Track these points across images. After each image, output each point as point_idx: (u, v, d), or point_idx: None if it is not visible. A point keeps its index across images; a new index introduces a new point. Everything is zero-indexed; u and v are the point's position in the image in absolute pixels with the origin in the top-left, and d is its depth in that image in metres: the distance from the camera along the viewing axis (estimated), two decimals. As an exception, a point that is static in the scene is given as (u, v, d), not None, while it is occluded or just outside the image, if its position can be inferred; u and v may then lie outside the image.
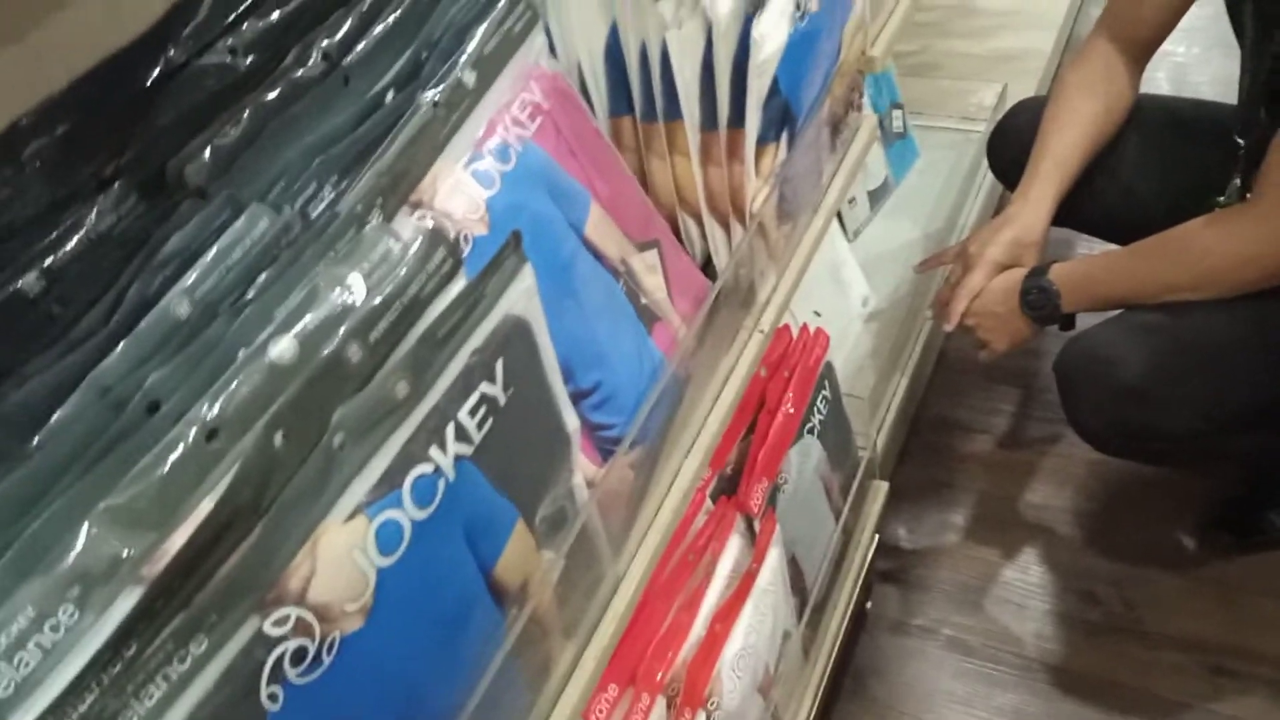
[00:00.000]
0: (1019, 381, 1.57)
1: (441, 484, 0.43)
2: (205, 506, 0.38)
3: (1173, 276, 1.06)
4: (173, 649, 0.34)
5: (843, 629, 1.19)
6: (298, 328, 0.43)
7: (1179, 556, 1.34)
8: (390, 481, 0.41)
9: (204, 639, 0.35)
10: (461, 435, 0.44)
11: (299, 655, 0.38)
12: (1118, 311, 1.12)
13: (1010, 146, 1.31)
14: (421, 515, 0.42)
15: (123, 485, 0.38)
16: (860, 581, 1.23)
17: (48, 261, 0.47)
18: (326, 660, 0.39)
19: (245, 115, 0.56)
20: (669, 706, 0.88)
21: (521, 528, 0.50)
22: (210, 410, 0.40)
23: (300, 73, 0.59)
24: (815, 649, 1.15)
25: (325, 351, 0.42)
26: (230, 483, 0.37)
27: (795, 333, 1.18)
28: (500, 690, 0.50)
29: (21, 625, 0.34)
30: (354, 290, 0.44)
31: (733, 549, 0.99)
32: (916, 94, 1.76)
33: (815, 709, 1.12)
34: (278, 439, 0.39)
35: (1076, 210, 1.23)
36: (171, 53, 0.61)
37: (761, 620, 0.98)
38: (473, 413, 0.45)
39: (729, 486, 1.05)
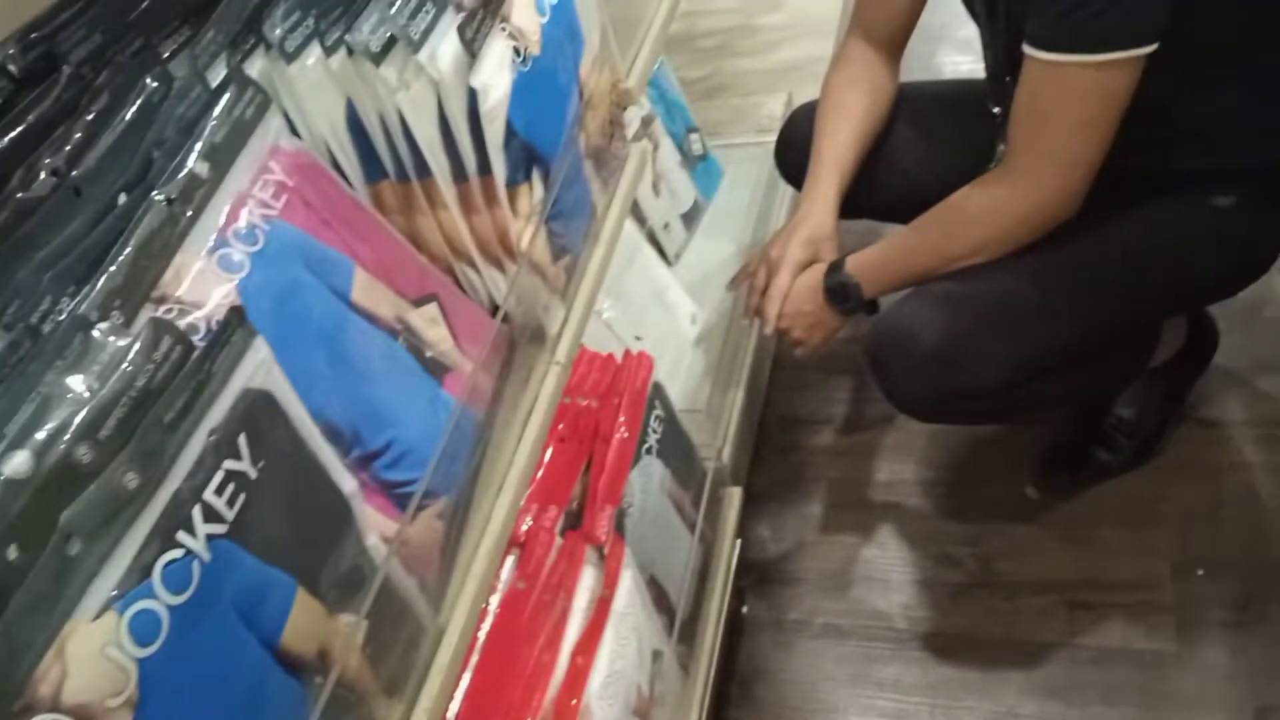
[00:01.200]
0: (851, 369, 1.63)
1: (196, 566, 0.44)
2: (-62, 632, 0.37)
3: (953, 246, 1.13)
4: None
5: (719, 639, 1.21)
6: (30, 440, 0.43)
7: (1024, 506, 1.41)
8: (138, 573, 0.42)
9: (-55, 764, 0.35)
10: (211, 515, 0.45)
11: (61, 762, 0.38)
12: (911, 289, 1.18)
13: (794, 151, 1.37)
14: (178, 600, 0.43)
15: None
16: (728, 589, 1.26)
17: None
18: (97, 760, 0.39)
19: (-24, 241, 0.56)
20: (539, 747, 0.88)
21: (304, 595, 0.50)
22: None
23: (26, 192, 0.59)
24: (694, 663, 1.17)
25: (53, 459, 0.42)
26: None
27: (620, 359, 1.21)
28: (318, 759, 0.51)
29: None
30: (82, 393, 0.45)
31: (586, 580, 1.01)
32: (713, 115, 1.83)
33: (702, 721, 1.14)
34: (11, 553, 0.40)
35: (862, 201, 1.30)
36: None
37: (624, 644, 0.99)
38: (219, 491, 0.45)
39: (576, 521, 1.06)
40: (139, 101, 0.65)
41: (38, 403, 0.45)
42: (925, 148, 1.33)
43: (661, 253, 1.61)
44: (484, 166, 0.70)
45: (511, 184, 0.72)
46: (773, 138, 1.75)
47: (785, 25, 2.02)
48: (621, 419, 1.12)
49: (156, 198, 0.58)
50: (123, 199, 0.61)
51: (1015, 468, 1.45)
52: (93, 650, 0.40)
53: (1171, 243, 1.11)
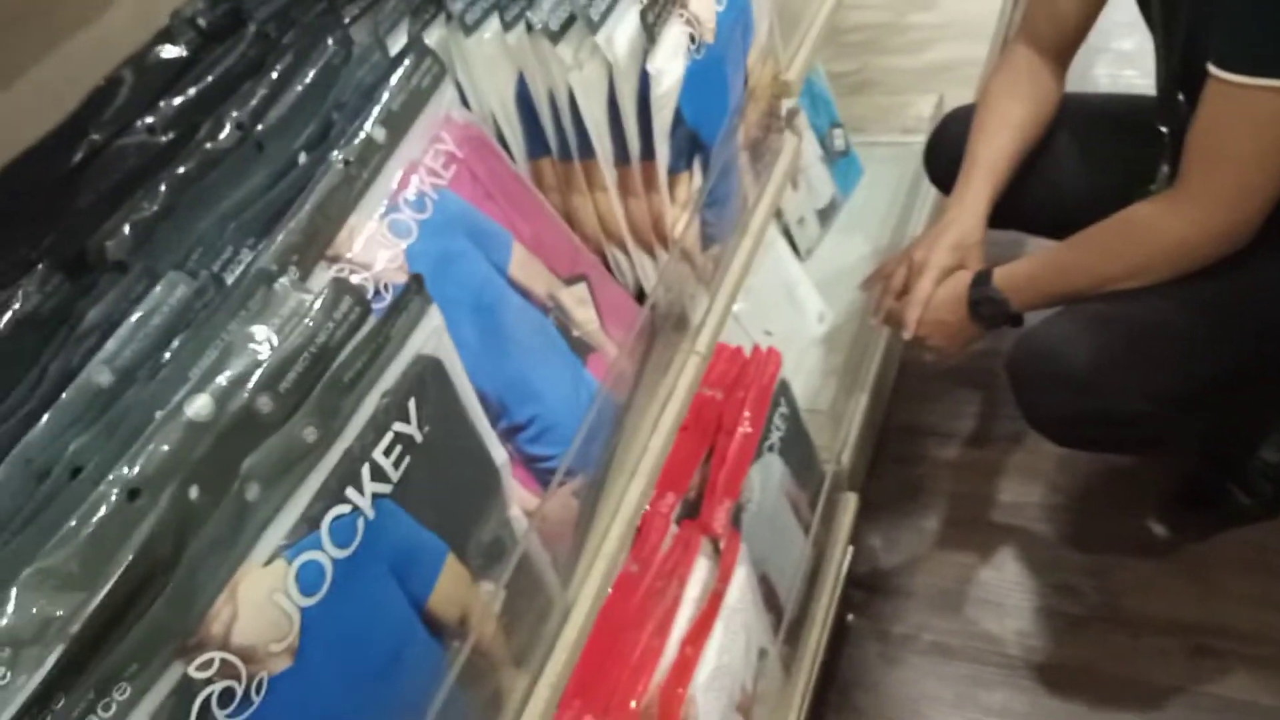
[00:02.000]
0: (981, 383, 1.59)
1: (361, 523, 0.45)
2: (123, 561, 0.39)
3: (1111, 267, 1.09)
4: (94, 698, 0.36)
5: (823, 643, 1.20)
6: (212, 385, 0.45)
7: (1150, 541, 1.35)
8: (308, 524, 0.43)
9: (126, 687, 0.37)
10: (378, 475, 0.46)
11: (226, 697, 0.40)
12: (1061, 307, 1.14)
13: (945, 155, 1.34)
14: (343, 554, 0.44)
15: (49, 549, 0.40)
16: (837, 594, 1.24)
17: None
18: (256, 700, 0.41)
19: (162, 189, 0.58)
20: (644, 732, 0.89)
21: (453, 561, 0.51)
22: (131, 471, 0.42)
23: (214, 144, 0.61)
24: (796, 665, 1.16)
25: (235, 406, 0.43)
26: (146, 537, 0.38)
27: (749, 354, 1.20)
28: (448, 722, 0.52)
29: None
30: (263, 345, 0.46)
31: (700, 571, 1.01)
32: (857, 112, 1.79)
33: (800, 725, 1.13)
34: (193, 493, 0.41)
35: (1013, 211, 1.26)
36: (94, 135, 0.64)
37: (733, 639, 0.99)
38: (388, 452, 0.46)
39: (693, 510, 1.06)
40: (321, 63, 0.67)
41: (221, 350, 0.47)
42: (1082, 163, 1.29)
43: (794, 248, 1.59)
44: (648, 151, 0.70)
45: (673, 171, 0.72)
46: (919, 139, 1.71)
47: (937, 24, 1.96)
48: (747, 414, 1.11)
49: (335, 159, 0.60)
50: (303, 158, 0.62)
51: (1143, 500, 1.39)
52: (262, 595, 0.41)
53: None
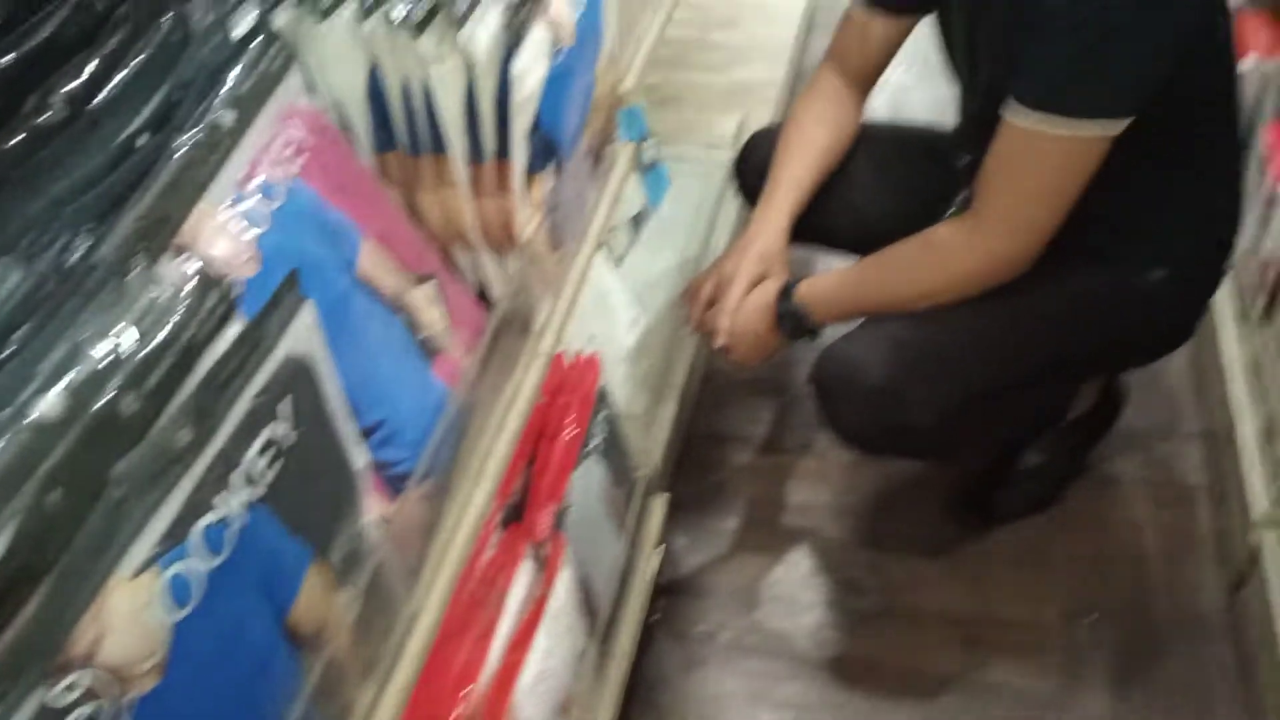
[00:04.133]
0: (777, 392, 1.67)
1: (232, 530, 0.42)
2: (-26, 577, 0.35)
3: (903, 288, 1.17)
4: (-50, 732, 0.32)
5: (633, 643, 1.22)
6: (64, 382, 0.41)
7: (930, 541, 1.46)
8: (178, 532, 0.40)
9: (-15, 718, 0.33)
10: (250, 479, 0.43)
11: (91, 724, 0.36)
12: (860, 321, 1.22)
13: (752, 173, 1.39)
14: (213, 564, 0.41)
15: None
16: (648, 595, 1.27)
17: None
18: (121, 726, 0.38)
19: (-9, 161, 0.53)
20: (470, 740, 0.87)
21: (315, 568, 0.49)
22: (-29, 475, 0.38)
23: (42, 119, 0.56)
24: (608, 665, 1.18)
25: (98, 405, 0.40)
26: (7, 546, 0.35)
27: (570, 359, 1.21)
28: (303, 737, 0.49)
29: None
30: (123, 340, 0.43)
31: (523, 576, 1.00)
32: (663, 125, 1.83)
33: (612, 725, 1.15)
34: (53, 498, 0.38)
35: (815, 229, 1.33)
36: None
37: (557, 643, 0.99)
38: (260, 455, 0.44)
39: (515, 515, 1.05)
40: (158, 39, 0.63)
41: (71, 345, 0.43)
42: (878, 187, 1.37)
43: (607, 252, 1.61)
44: (503, 150, 0.70)
45: (530, 172, 0.72)
46: (722, 155, 1.78)
47: (740, 46, 2.04)
48: (571, 417, 1.12)
49: (182, 142, 0.56)
50: (143, 139, 0.58)
51: (926, 503, 1.50)
52: (131, 608, 0.38)
53: (1105, 310, 1.17)
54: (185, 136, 0.56)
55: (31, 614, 0.35)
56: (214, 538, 0.42)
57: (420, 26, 0.64)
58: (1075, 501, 1.48)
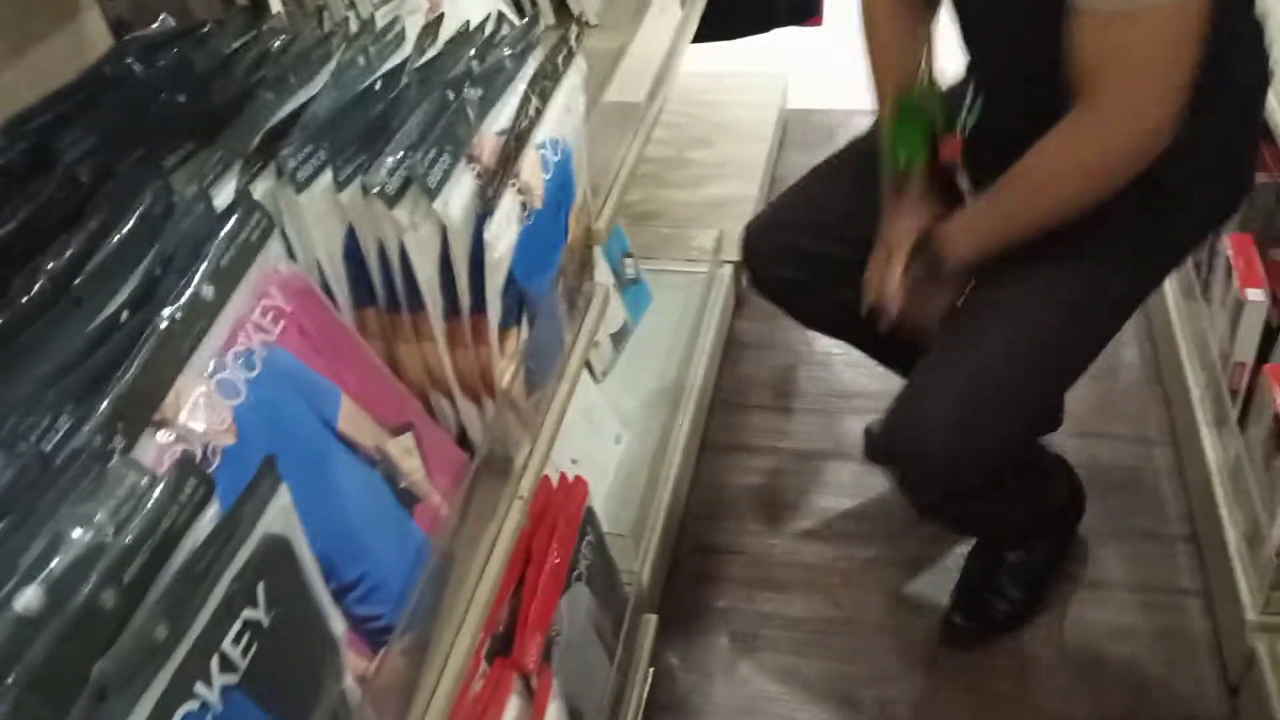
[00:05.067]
0: (765, 504, 1.67)
1: (207, 718, 0.43)
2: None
3: (1040, 202, 1.10)
4: None
5: (627, 770, 1.21)
6: (43, 576, 0.42)
7: (929, 653, 1.45)
8: (155, 726, 0.41)
9: None
10: (226, 666, 0.44)
11: None
12: (920, 380, 1.20)
13: (764, 266, 1.38)
14: (190, 755, 0.42)
15: None
16: (640, 717, 1.26)
17: None
18: None
19: (-30, 349, 0.55)
20: None
21: (292, 745, 0.50)
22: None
23: (27, 299, 0.58)
24: (602, 796, 1.16)
25: (77, 600, 0.41)
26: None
27: (555, 482, 1.22)
28: None
29: None
30: (102, 531, 0.44)
31: (511, 709, 1.00)
32: (643, 240, 1.89)
33: None
34: (34, 701, 0.38)
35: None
36: None
37: (546, 779, 0.98)
38: (236, 640, 0.45)
39: (503, 647, 1.05)
40: (140, 212, 0.65)
41: (51, 536, 0.44)
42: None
43: (590, 370, 1.63)
44: (478, 307, 0.72)
45: (503, 326, 0.74)
46: (702, 269, 1.82)
47: (715, 162, 2.11)
48: (555, 545, 1.12)
49: (163, 318, 0.58)
50: (124, 316, 0.60)
51: (920, 617, 1.50)
52: (107, 812, 0.39)
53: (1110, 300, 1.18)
54: (166, 311, 0.58)
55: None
56: (189, 729, 0.42)
57: (395, 197, 0.67)
58: (1065, 607, 1.48)
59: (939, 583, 1.51)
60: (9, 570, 0.43)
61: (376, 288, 0.73)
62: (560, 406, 0.88)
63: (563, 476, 1.19)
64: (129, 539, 0.44)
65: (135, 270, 0.63)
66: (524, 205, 0.72)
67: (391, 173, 0.66)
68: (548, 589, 1.09)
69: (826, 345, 1.89)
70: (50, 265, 0.60)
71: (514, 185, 0.71)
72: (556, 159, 0.76)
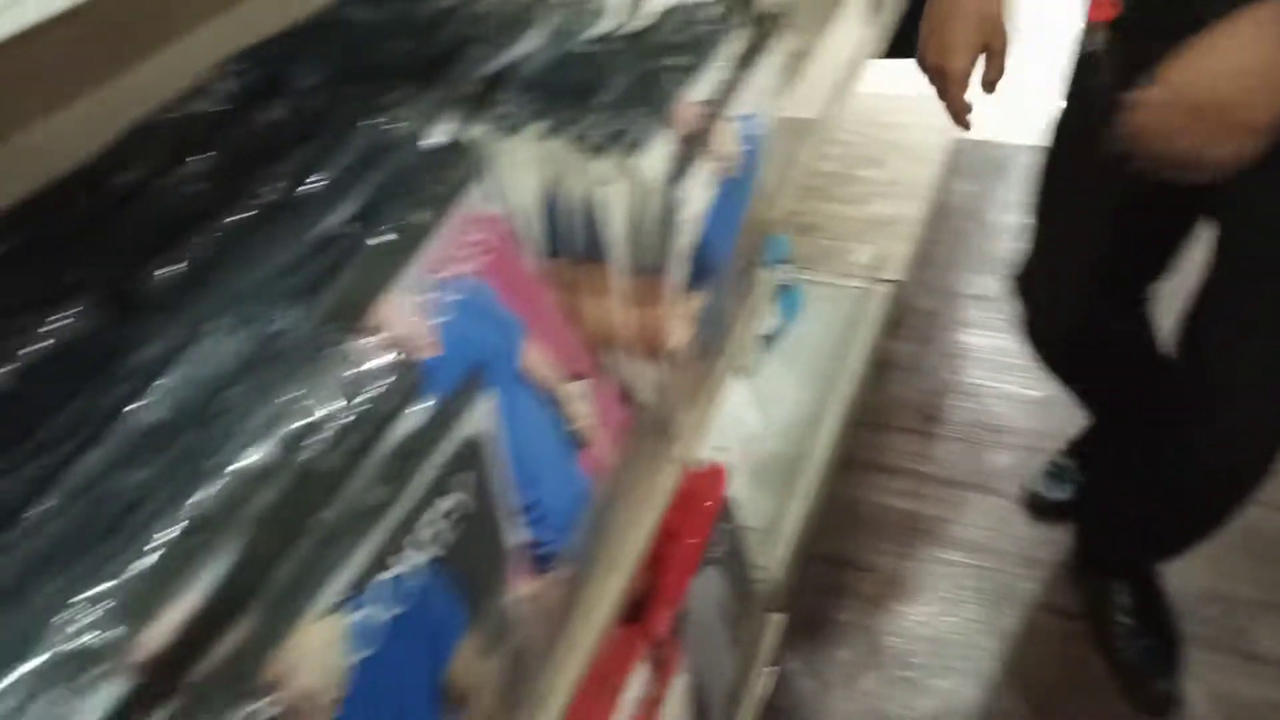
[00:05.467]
0: (900, 526, 1.65)
1: (406, 587, 0.46)
2: (188, 600, 0.40)
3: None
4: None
5: (741, 762, 1.21)
6: (272, 439, 0.46)
7: (1050, 696, 1.41)
8: (363, 582, 0.44)
9: (195, 723, 0.37)
10: (433, 539, 0.47)
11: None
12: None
13: (1040, 331, 1.39)
14: (388, 616, 0.45)
15: (106, 577, 0.40)
16: (759, 714, 1.26)
17: (17, 362, 0.50)
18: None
19: (213, 236, 0.60)
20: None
21: (470, 635, 0.53)
22: (192, 509, 0.43)
23: (261, 200, 0.63)
24: (714, 783, 1.17)
25: (300, 460, 0.45)
26: (221, 580, 0.39)
27: (698, 468, 1.23)
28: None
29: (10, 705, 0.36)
30: (324, 406, 0.48)
31: (640, 675, 1.02)
32: (801, 251, 1.89)
33: (714, 843, 1.13)
34: (260, 539, 0.42)
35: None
36: (132, 173, 0.66)
37: (667, 749, 1.00)
38: (443, 519, 0.48)
39: (634, 613, 1.07)
40: (361, 141, 0.70)
41: (277, 408, 0.48)
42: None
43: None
44: (663, 268, 0.75)
45: (683, 290, 0.76)
46: (855, 283, 1.82)
47: (883, 181, 2.10)
48: (693, 525, 1.14)
49: (379, 233, 0.62)
50: (344, 230, 0.65)
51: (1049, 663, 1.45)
52: (319, 646, 0.42)
53: None
54: (383, 228, 0.62)
55: (238, 640, 0.39)
56: (395, 590, 0.45)
57: (598, 149, 0.70)
58: (1218, 680, 1.41)
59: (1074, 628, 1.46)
60: (240, 431, 0.47)
61: (568, 238, 0.77)
62: (720, 379, 0.90)
63: (706, 463, 1.21)
64: (347, 415, 0.47)
65: (356, 190, 0.67)
66: (717, 173, 0.74)
67: (596, 127, 0.70)
68: (683, 565, 1.10)
69: (978, 376, 1.86)
70: (282, 173, 0.66)
71: (710, 153, 0.73)
72: (751, 133, 0.78)
